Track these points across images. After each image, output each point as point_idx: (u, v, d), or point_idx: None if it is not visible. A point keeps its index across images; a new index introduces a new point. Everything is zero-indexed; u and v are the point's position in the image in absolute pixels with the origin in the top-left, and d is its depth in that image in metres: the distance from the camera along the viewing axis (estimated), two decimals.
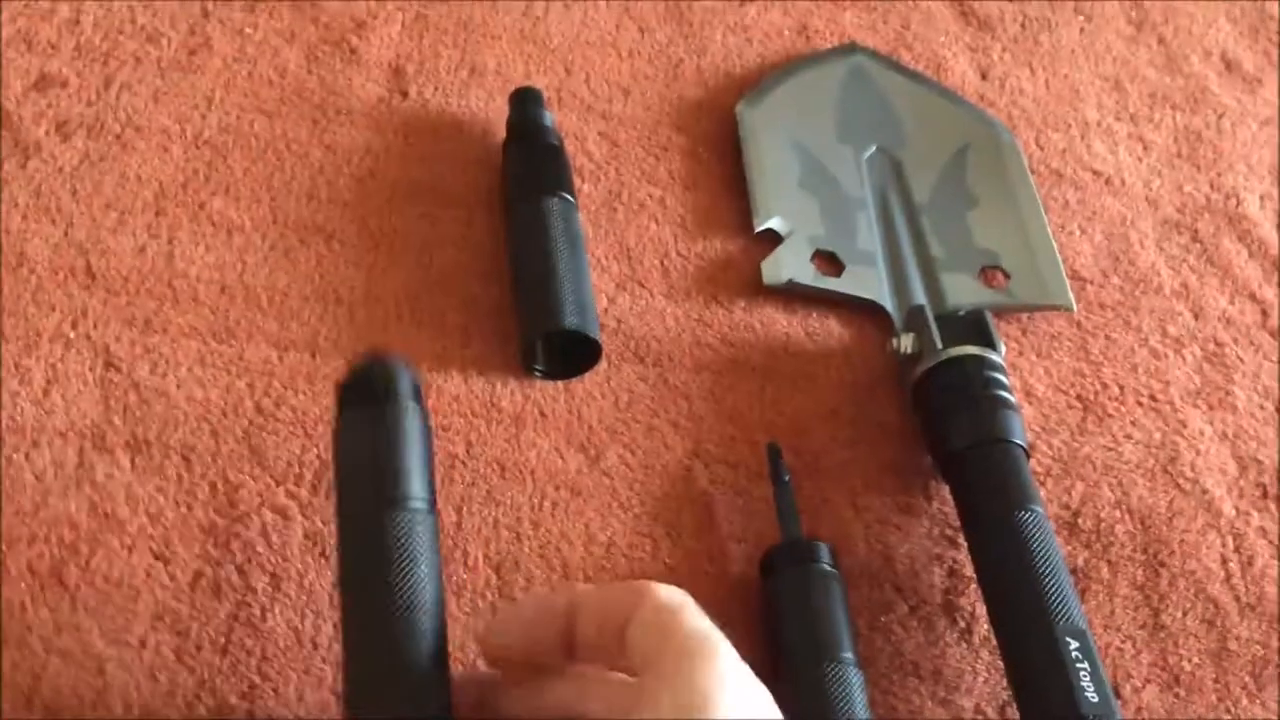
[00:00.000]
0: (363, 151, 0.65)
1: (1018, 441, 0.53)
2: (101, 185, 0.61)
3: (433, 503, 0.37)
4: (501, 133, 0.66)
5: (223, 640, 0.47)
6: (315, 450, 0.53)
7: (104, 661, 0.46)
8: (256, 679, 0.46)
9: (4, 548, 0.48)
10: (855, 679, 0.46)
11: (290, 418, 0.54)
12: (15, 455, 0.51)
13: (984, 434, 0.53)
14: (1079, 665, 0.46)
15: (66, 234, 0.58)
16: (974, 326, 0.58)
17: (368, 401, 0.37)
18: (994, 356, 0.56)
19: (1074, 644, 0.46)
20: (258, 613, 0.48)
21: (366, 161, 0.65)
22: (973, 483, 0.53)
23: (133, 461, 0.51)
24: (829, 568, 0.50)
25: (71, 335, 0.55)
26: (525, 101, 0.66)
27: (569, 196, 0.61)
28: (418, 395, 0.38)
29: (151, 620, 0.47)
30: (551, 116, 0.66)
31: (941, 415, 0.55)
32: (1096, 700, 0.45)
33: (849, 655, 0.47)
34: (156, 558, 0.49)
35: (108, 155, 0.62)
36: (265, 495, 0.51)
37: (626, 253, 0.63)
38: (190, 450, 0.52)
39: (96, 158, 0.62)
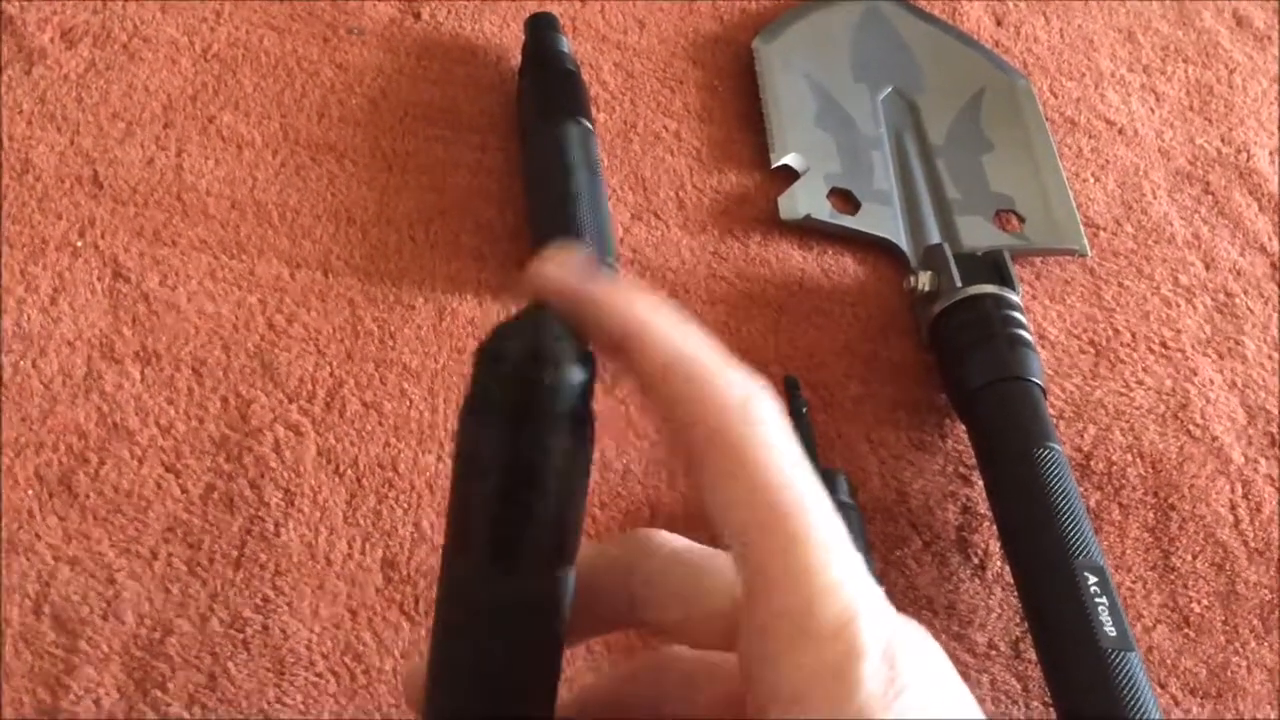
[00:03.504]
0: (375, 72, 0.64)
1: (1036, 380, 0.53)
2: (108, 94, 0.59)
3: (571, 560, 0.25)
4: (516, 59, 0.65)
5: (235, 554, 0.46)
6: (329, 368, 0.52)
7: (114, 571, 0.45)
8: (270, 593, 0.45)
9: (11, 454, 0.47)
10: None
11: (303, 335, 0.53)
12: (22, 362, 0.49)
13: (1003, 371, 0.53)
14: (1098, 600, 0.46)
15: (73, 142, 0.57)
16: (992, 266, 0.58)
17: (510, 415, 0.23)
18: (1012, 296, 0.56)
19: (1092, 579, 0.46)
20: (271, 527, 0.47)
21: (379, 82, 0.64)
22: (991, 420, 0.53)
23: (142, 373, 0.50)
24: (847, 500, 0.50)
25: (79, 244, 0.54)
26: (542, 26, 0.65)
27: (587, 123, 0.60)
28: (587, 398, 0.24)
29: (163, 531, 0.46)
30: (568, 42, 0.65)
31: (959, 352, 0.55)
32: (1115, 634, 0.45)
33: None
34: (167, 469, 0.48)
35: (114, 64, 0.60)
36: (278, 411, 0.50)
37: (642, 183, 0.63)
38: (201, 364, 0.51)
39: (103, 66, 0.60)
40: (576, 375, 0.24)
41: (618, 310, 0.24)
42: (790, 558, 0.22)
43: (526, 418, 0.23)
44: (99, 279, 0.53)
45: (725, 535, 0.23)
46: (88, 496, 0.47)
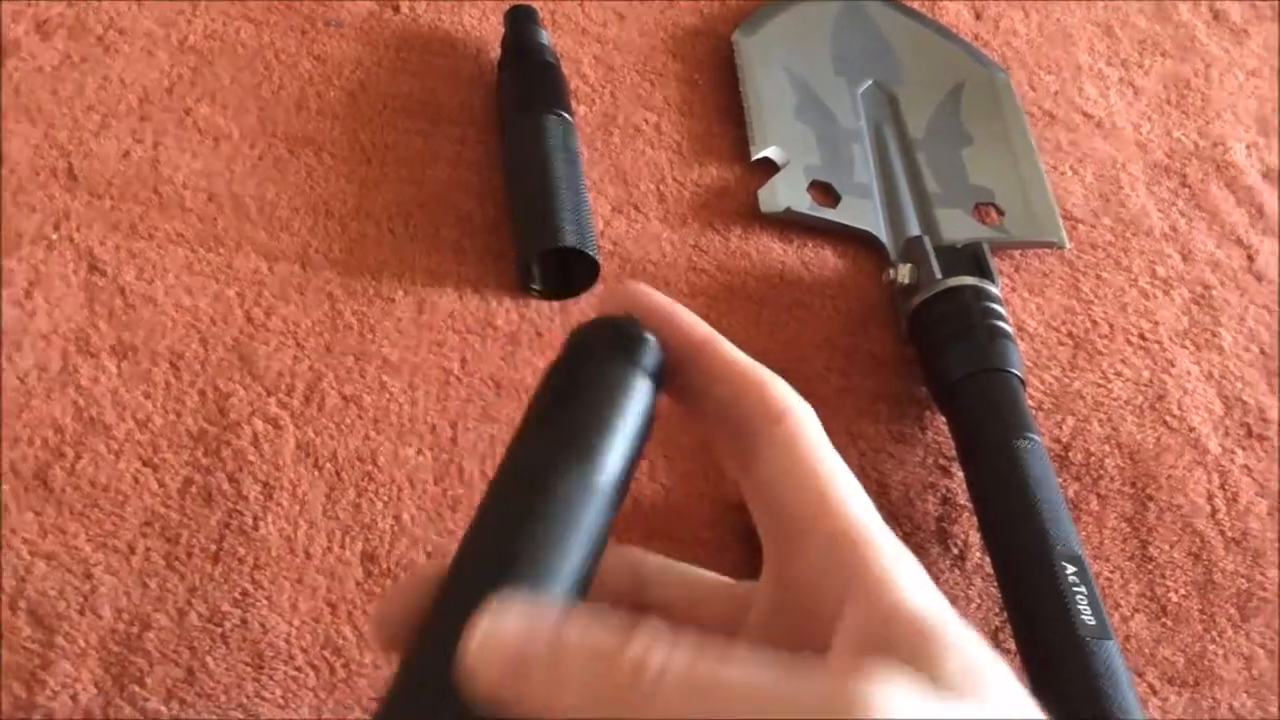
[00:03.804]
0: (353, 64, 0.64)
1: (1015, 371, 0.53)
2: (83, 87, 0.59)
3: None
4: (495, 52, 0.65)
5: (214, 548, 0.46)
6: (307, 362, 0.52)
7: (91, 566, 0.45)
8: (249, 586, 0.45)
9: None
10: None
11: (281, 328, 0.53)
12: None
13: (982, 363, 0.53)
14: (1075, 589, 0.46)
15: (47, 135, 0.57)
16: (971, 259, 0.58)
17: (606, 350, 0.28)
18: (992, 288, 0.56)
19: (1070, 569, 0.47)
20: (250, 521, 0.47)
21: (357, 74, 0.63)
22: (971, 411, 0.53)
23: (119, 367, 0.50)
24: None
25: (54, 237, 0.53)
26: (522, 19, 0.64)
27: (566, 115, 0.60)
28: (660, 373, 0.29)
29: (141, 526, 0.46)
30: (548, 35, 0.64)
31: (939, 344, 0.55)
32: (1093, 623, 0.45)
33: None
34: (145, 464, 0.48)
35: (90, 57, 0.60)
36: (256, 405, 0.50)
37: (622, 176, 0.62)
38: (178, 357, 0.51)
39: (78, 59, 0.60)
40: (656, 346, 0.28)
41: (696, 322, 0.29)
42: (845, 538, 0.25)
43: (621, 357, 0.27)
44: (74, 272, 0.52)
45: (769, 515, 0.27)
46: (64, 491, 0.46)
